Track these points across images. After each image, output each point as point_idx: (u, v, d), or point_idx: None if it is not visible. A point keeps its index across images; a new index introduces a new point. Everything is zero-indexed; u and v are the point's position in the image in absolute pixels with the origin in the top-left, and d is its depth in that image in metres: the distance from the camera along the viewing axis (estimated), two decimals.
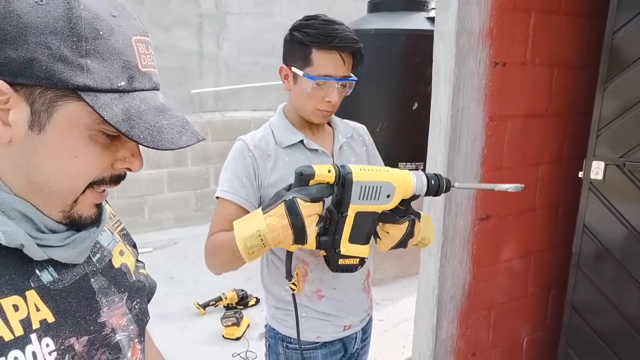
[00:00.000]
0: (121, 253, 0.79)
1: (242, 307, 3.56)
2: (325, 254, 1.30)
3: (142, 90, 0.61)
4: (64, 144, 0.58)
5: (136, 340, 0.76)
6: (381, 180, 1.22)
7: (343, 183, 1.20)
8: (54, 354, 0.60)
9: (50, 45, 0.53)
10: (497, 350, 2.58)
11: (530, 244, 2.51)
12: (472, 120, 2.11)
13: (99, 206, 0.68)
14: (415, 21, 4.07)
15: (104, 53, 0.56)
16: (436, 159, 2.14)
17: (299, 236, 1.12)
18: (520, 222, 2.42)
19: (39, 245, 0.61)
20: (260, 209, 1.17)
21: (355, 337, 1.65)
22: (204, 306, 3.57)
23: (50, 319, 0.61)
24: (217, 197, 1.42)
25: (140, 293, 0.79)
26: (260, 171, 1.42)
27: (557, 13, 2.20)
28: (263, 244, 1.13)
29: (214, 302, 3.55)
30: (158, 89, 0.65)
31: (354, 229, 1.24)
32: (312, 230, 1.13)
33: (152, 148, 0.57)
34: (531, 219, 2.46)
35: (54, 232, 0.64)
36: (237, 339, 3.14)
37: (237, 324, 3.21)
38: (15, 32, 0.53)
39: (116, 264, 0.76)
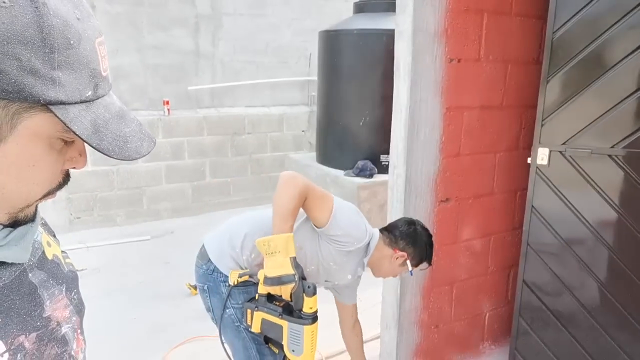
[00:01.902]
0: (48, 244, 0.75)
1: None
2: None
3: (103, 96, 0.59)
4: (25, 154, 0.55)
5: (79, 330, 0.74)
6: None
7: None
8: (6, 355, 0.58)
9: (19, 57, 0.49)
10: (459, 323, 2.80)
11: (489, 226, 2.73)
12: (429, 110, 2.34)
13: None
14: None
15: (74, 63, 0.53)
16: (398, 146, 2.37)
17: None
18: (479, 205, 2.64)
19: None
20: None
21: None
22: (195, 287, 3.81)
23: None
24: (333, 199, 1.83)
25: (74, 283, 0.76)
26: (340, 245, 1.83)
27: (509, 14, 2.42)
28: (268, 247, 1.62)
29: None
30: (111, 89, 0.63)
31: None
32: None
33: (119, 159, 0.56)
34: (490, 203, 2.69)
35: None
36: None
37: None
38: None
39: (49, 255, 0.73)
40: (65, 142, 0.59)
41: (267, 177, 5.95)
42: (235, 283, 1.75)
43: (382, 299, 2.66)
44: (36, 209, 0.65)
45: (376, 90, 4.36)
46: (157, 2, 5.14)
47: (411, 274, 2.00)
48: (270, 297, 1.68)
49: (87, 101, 0.55)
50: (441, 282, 2.64)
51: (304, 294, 1.59)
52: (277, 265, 1.60)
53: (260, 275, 1.65)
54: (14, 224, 0.61)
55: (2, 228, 0.60)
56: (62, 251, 0.80)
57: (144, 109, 5.25)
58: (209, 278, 1.85)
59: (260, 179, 5.93)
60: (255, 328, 1.70)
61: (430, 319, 2.67)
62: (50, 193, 0.61)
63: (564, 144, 2.27)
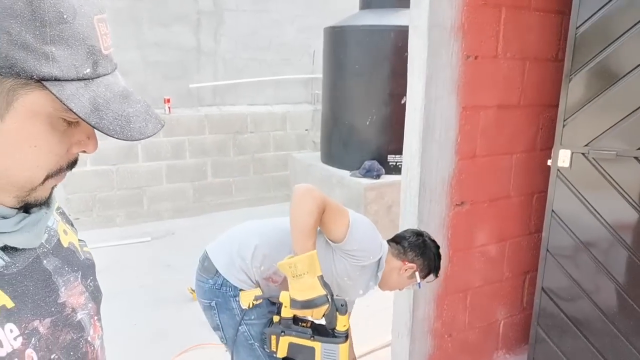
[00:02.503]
0: (65, 232, 0.76)
1: None
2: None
3: (105, 74, 0.57)
4: (24, 133, 0.55)
5: (96, 317, 0.74)
6: None
7: None
8: (20, 339, 0.58)
9: (9, 31, 0.48)
10: (473, 331, 2.69)
11: (505, 230, 2.62)
12: (445, 109, 2.22)
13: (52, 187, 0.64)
14: (404, 17, 4.18)
15: (69, 39, 0.52)
16: (411, 147, 2.25)
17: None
18: (495, 208, 2.53)
19: None
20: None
21: None
22: None
23: (9, 304, 0.59)
24: (349, 213, 1.74)
25: (90, 270, 0.77)
26: (357, 261, 1.74)
27: (527, 9, 2.31)
28: (295, 270, 1.52)
29: None
30: (116, 69, 0.61)
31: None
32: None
33: (121, 139, 0.55)
34: (506, 206, 2.58)
35: (4, 218, 0.60)
36: None
37: None
38: None
39: (64, 243, 0.73)
40: (70, 124, 0.58)
41: (270, 177, 5.83)
42: (251, 306, 1.64)
43: (393, 306, 2.55)
44: (50, 195, 0.64)
45: (384, 88, 4.24)
46: None
47: (419, 287, 1.92)
48: (295, 319, 1.59)
49: (85, 79, 0.54)
50: (455, 289, 2.54)
51: (337, 313, 1.51)
52: (306, 287, 1.51)
53: (284, 299, 1.55)
54: (26, 208, 0.62)
55: (16, 213, 0.61)
56: (80, 240, 0.81)
57: None
58: (217, 293, 1.73)
59: (263, 179, 5.81)
60: (282, 353, 1.61)
61: (444, 327, 2.56)
62: (52, 176, 0.60)
63: (586, 145, 2.16)
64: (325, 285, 1.52)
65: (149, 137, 0.58)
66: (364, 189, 4.08)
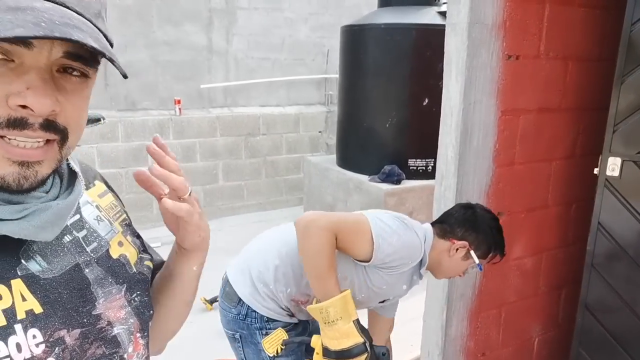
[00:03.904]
0: (120, 244, 0.74)
1: None
2: None
3: None
4: None
5: (138, 334, 0.71)
6: None
7: None
8: (42, 346, 0.56)
9: None
10: (507, 350, 2.53)
11: (542, 242, 2.46)
12: (484, 114, 2.06)
13: (27, 166, 0.55)
14: (426, 15, 4.02)
15: None
16: (447, 154, 2.09)
17: None
18: (532, 219, 2.36)
19: None
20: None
21: None
22: (211, 302, 3.56)
23: (38, 309, 0.57)
24: (371, 230, 1.47)
25: (141, 285, 0.74)
26: (392, 269, 1.53)
27: (572, 5, 2.14)
28: (327, 316, 1.35)
29: None
30: (55, 1, 0.52)
31: None
32: None
33: None
34: (543, 217, 2.41)
35: (9, 203, 0.57)
36: None
37: None
38: None
39: (114, 254, 0.71)
40: (9, 69, 0.51)
41: (282, 180, 5.68)
42: (278, 352, 1.48)
43: (423, 324, 2.39)
44: (38, 181, 0.57)
45: (404, 88, 4.08)
46: None
47: (480, 269, 1.67)
48: None
49: None
50: (489, 305, 2.37)
51: None
52: (341, 334, 1.34)
53: (317, 345, 1.38)
54: (4, 189, 0.55)
55: (24, 202, 0.57)
56: (144, 252, 0.79)
57: (154, 109, 5.00)
58: (242, 325, 1.56)
59: (275, 182, 5.66)
60: None
61: (477, 346, 2.40)
62: None
63: (639, 152, 1.99)
64: (362, 330, 1.35)
65: (7, 38, 0.46)
66: (384, 195, 3.91)
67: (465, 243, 1.59)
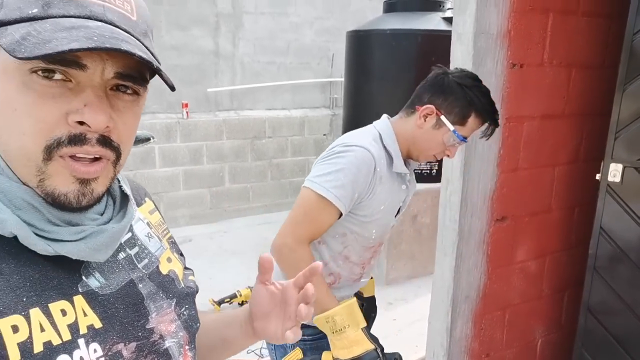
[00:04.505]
0: (169, 260, 0.76)
1: None
2: None
3: (64, 16, 0.51)
4: (2, 95, 0.52)
5: (187, 347, 0.73)
6: None
7: None
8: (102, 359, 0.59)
9: None
10: (511, 351, 2.58)
11: (545, 245, 2.50)
12: None
13: (85, 184, 0.57)
14: (431, 21, 4.07)
15: None
16: (452, 160, 2.14)
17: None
18: (535, 223, 2.41)
19: (47, 238, 0.56)
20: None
21: None
22: (219, 303, 3.60)
23: (97, 324, 0.60)
24: (318, 194, 1.34)
25: (188, 299, 0.76)
26: (371, 191, 1.40)
27: (575, 14, 2.19)
28: (334, 325, 1.32)
29: (228, 299, 3.58)
30: (105, 21, 0.54)
31: None
32: None
33: (22, 59, 0.47)
34: (547, 221, 2.46)
35: (69, 224, 0.59)
36: None
37: None
38: None
39: (164, 270, 0.73)
40: (54, 84, 0.52)
41: (288, 182, 5.74)
42: None
43: (428, 326, 2.44)
44: (93, 199, 0.58)
45: (409, 93, 4.12)
46: (176, 1, 4.94)
47: (461, 139, 1.41)
48: None
49: (30, 19, 0.50)
50: (494, 307, 2.42)
51: None
52: (351, 342, 1.33)
53: (327, 358, 1.38)
54: (59, 206, 0.56)
55: (83, 225, 0.59)
56: (187, 268, 0.81)
57: (162, 112, 5.06)
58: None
59: (280, 185, 5.72)
60: None
61: (481, 347, 2.44)
62: (53, 150, 0.53)
63: None
64: (372, 338, 1.35)
65: (61, 52, 0.47)
66: None
67: (432, 107, 1.40)
